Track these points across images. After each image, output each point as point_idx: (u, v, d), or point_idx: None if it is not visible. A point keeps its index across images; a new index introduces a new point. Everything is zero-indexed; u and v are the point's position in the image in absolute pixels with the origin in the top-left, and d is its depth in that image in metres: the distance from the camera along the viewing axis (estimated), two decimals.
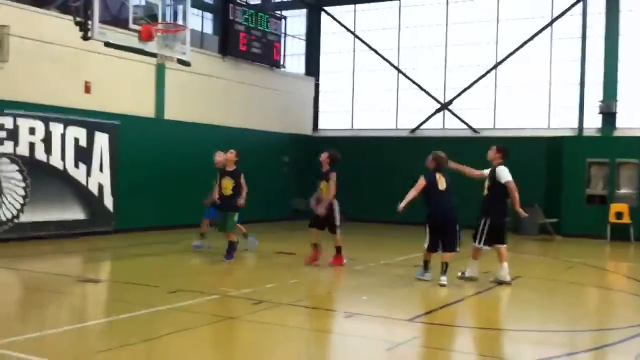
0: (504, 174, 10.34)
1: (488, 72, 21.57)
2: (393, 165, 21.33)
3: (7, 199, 14.08)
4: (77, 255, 13.60)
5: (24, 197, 14.38)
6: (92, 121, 15.71)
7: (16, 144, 14.21)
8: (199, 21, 24.40)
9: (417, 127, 22.63)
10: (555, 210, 18.69)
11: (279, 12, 23.60)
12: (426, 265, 10.46)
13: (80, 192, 15.51)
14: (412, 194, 10.22)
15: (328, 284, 10.71)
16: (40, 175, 14.62)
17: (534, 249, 16.49)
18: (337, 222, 11.57)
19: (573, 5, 20.45)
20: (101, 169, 15.98)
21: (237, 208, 12.10)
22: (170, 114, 18.32)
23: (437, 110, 22.42)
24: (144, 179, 16.89)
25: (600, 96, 19.75)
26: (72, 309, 8.78)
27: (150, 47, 12.66)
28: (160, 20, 12.49)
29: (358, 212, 21.49)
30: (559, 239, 18.07)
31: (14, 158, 14.18)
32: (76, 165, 15.43)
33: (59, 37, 15.00)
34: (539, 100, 21.03)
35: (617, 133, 19.50)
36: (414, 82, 22.66)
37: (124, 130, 16.36)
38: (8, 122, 14.08)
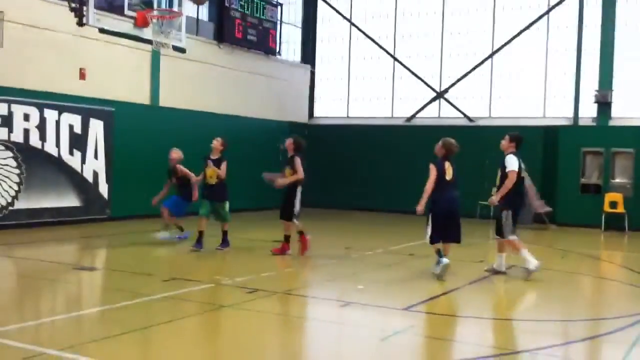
0: (510, 162, 10.08)
1: (484, 60, 21.53)
2: (388, 153, 21.35)
3: (1, 186, 14.03)
4: (72, 242, 13.57)
5: (19, 184, 14.34)
6: (87, 108, 15.66)
7: (10, 130, 14.15)
8: (194, 7, 24.21)
9: (413, 116, 22.60)
10: (551, 199, 18.73)
11: None
12: (440, 253, 9.83)
13: (75, 179, 15.47)
14: (429, 188, 9.75)
15: (324, 273, 10.71)
16: (35, 162, 14.57)
17: (529, 238, 16.39)
18: (296, 211, 11.41)
19: None
20: (96, 156, 15.93)
21: (225, 197, 12.06)
22: (165, 100, 18.25)
23: (433, 99, 22.38)
24: (139, 166, 16.81)
25: (596, 85, 19.74)
26: (67, 297, 8.77)
27: (146, 33, 12.63)
28: (155, 6, 12.45)
29: (352, 200, 21.60)
30: (553, 228, 18.11)
31: (8, 145, 14.12)
32: (71, 152, 15.38)
33: (54, 23, 14.91)
34: (535, 89, 21.02)
35: (612, 123, 19.49)
36: (410, 71, 22.60)
37: (119, 117, 16.30)
38: (2, 108, 14.00)
